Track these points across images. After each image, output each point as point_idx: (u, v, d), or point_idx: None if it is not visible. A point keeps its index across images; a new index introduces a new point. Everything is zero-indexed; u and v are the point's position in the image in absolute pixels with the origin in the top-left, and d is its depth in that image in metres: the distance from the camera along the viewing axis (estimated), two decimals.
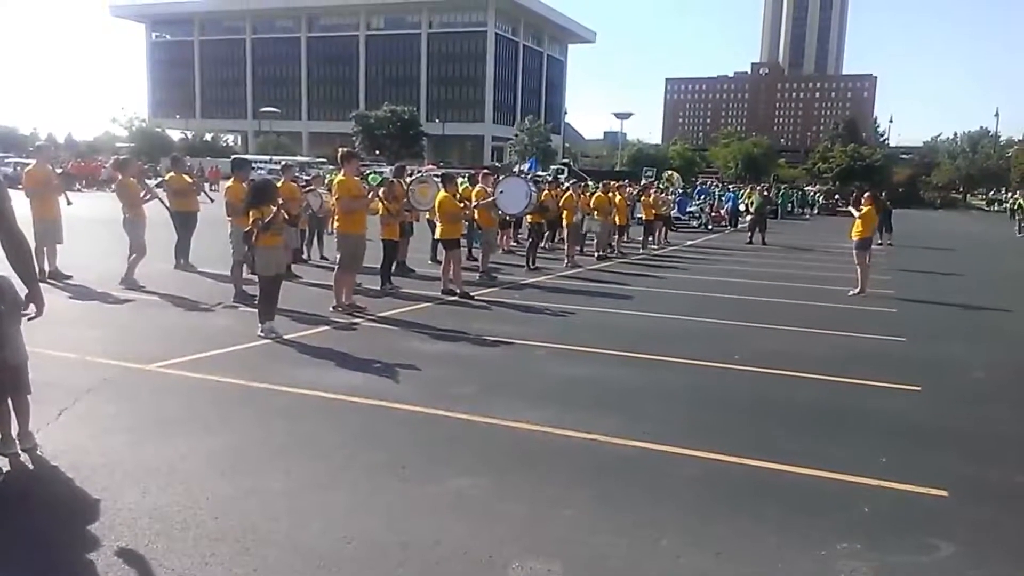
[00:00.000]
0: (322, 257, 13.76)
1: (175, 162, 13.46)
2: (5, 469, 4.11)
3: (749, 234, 22.91)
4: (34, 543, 3.39)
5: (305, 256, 13.62)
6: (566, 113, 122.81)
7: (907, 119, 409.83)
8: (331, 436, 4.86)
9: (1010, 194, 39.80)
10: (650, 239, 19.57)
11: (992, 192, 74.53)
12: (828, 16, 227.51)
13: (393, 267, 11.27)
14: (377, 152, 75.77)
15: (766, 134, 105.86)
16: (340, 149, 9.62)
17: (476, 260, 13.02)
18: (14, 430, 4.26)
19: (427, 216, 13.04)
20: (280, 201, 7.69)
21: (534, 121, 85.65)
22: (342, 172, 9.31)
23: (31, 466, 4.18)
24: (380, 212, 10.83)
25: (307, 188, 14.11)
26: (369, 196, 10.04)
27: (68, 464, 4.17)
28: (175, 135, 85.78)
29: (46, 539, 3.43)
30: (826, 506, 4.07)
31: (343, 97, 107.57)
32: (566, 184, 18.21)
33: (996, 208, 62.27)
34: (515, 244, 17.66)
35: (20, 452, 4.24)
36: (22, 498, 3.89)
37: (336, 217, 9.30)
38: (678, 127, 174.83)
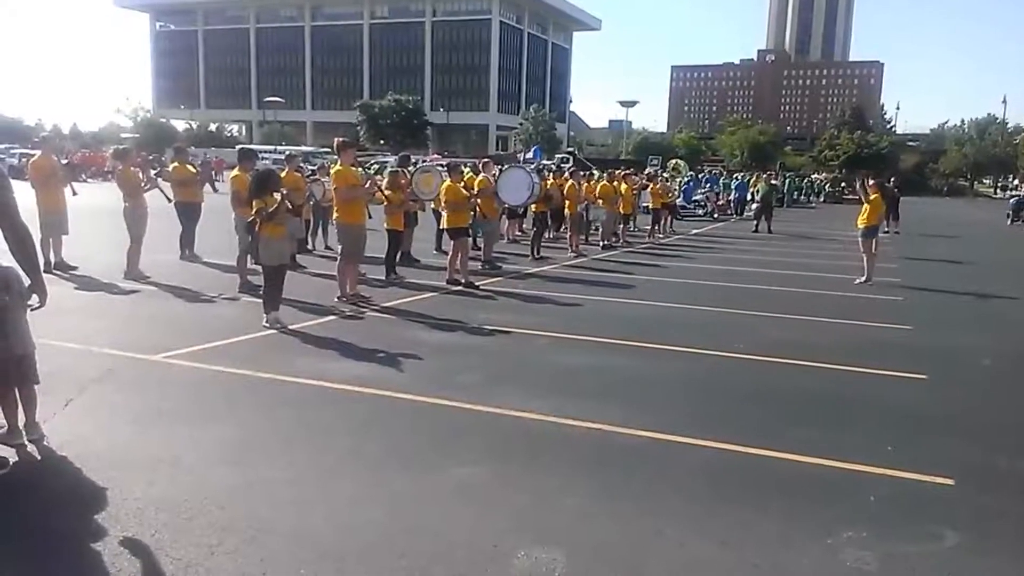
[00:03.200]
0: (327, 247, 13.77)
1: (178, 152, 13.45)
2: (12, 460, 4.13)
3: (755, 222, 22.83)
4: (41, 533, 3.41)
5: (310, 246, 13.64)
6: (571, 102, 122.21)
7: (914, 106, 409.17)
8: (336, 426, 4.87)
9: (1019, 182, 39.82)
10: (655, 228, 19.51)
11: (1001, 179, 74.13)
12: (835, 2, 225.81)
13: (398, 257, 11.27)
14: (382, 142, 75.65)
15: (772, 122, 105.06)
16: (337, 139, 9.61)
17: (480, 250, 13.01)
18: (21, 421, 4.28)
19: (431, 206, 13.03)
20: (284, 191, 7.69)
21: (539, 110, 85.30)
22: (339, 162, 9.30)
23: (38, 456, 4.20)
24: (383, 202, 10.81)
25: (312, 178, 14.10)
26: (367, 185, 10.03)
27: (74, 454, 4.19)
28: (180, 125, 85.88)
29: (53, 529, 3.44)
30: (832, 494, 4.06)
31: (347, 86, 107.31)
32: (567, 173, 18.12)
33: (1005, 195, 61.92)
34: (520, 233, 17.63)
35: (27, 443, 4.25)
36: (29, 488, 3.91)
37: (335, 207, 9.27)
38: (684, 115, 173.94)
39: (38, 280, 4.09)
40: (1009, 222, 31.08)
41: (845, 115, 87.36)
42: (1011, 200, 34.18)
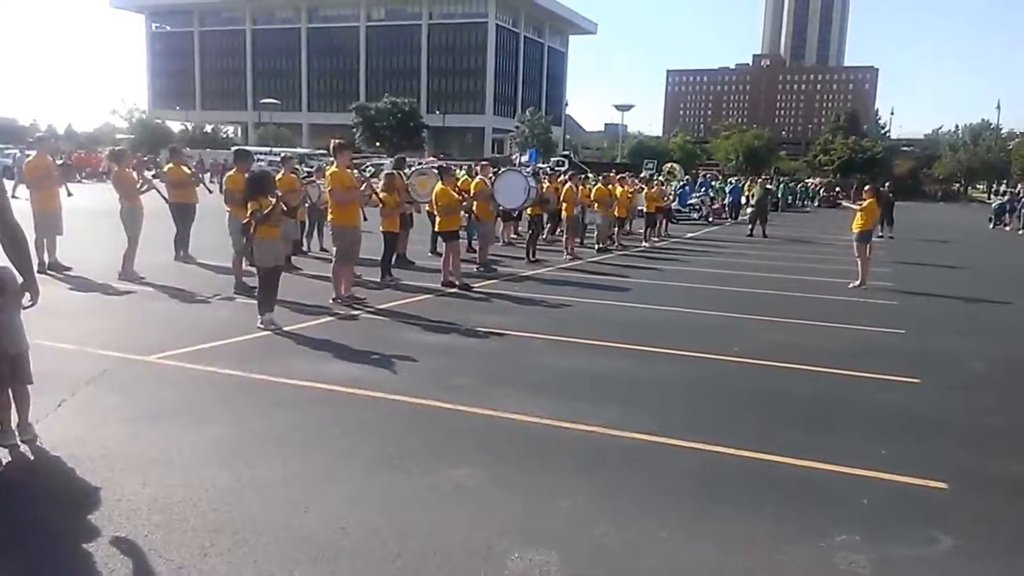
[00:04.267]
0: (322, 249, 13.75)
1: (174, 153, 13.42)
2: (5, 460, 4.12)
3: (750, 226, 22.88)
4: (33, 534, 3.40)
5: (305, 248, 13.62)
6: (567, 105, 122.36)
7: (908, 111, 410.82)
8: (330, 427, 4.86)
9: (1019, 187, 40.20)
10: (650, 231, 19.53)
11: (995, 185, 74.51)
12: (830, 7, 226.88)
13: (393, 259, 11.26)
14: (377, 144, 75.62)
15: (767, 126, 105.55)
16: (333, 141, 9.61)
17: (475, 252, 13.01)
18: (14, 421, 4.27)
19: (427, 208, 13.03)
20: (278, 193, 7.68)
21: (535, 113, 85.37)
22: (335, 164, 9.31)
23: (31, 457, 4.19)
24: (378, 204, 10.81)
25: (308, 180, 14.09)
26: (362, 187, 10.02)
27: (67, 455, 4.18)
28: (175, 126, 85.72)
29: (45, 530, 3.43)
30: (825, 498, 4.07)
31: (343, 88, 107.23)
32: (563, 176, 18.15)
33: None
34: (515, 236, 17.64)
35: (20, 443, 4.25)
36: (22, 489, 3.90)
37: (330, 209, 9.28)
38: (679, 119, 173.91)
39: (31, 280, 4.08)
40: (991, 226, 31.53)
41: (840, 120, 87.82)
42: (994, 205, 34.80)
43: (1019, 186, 39.99)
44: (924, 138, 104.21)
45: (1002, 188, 42.07)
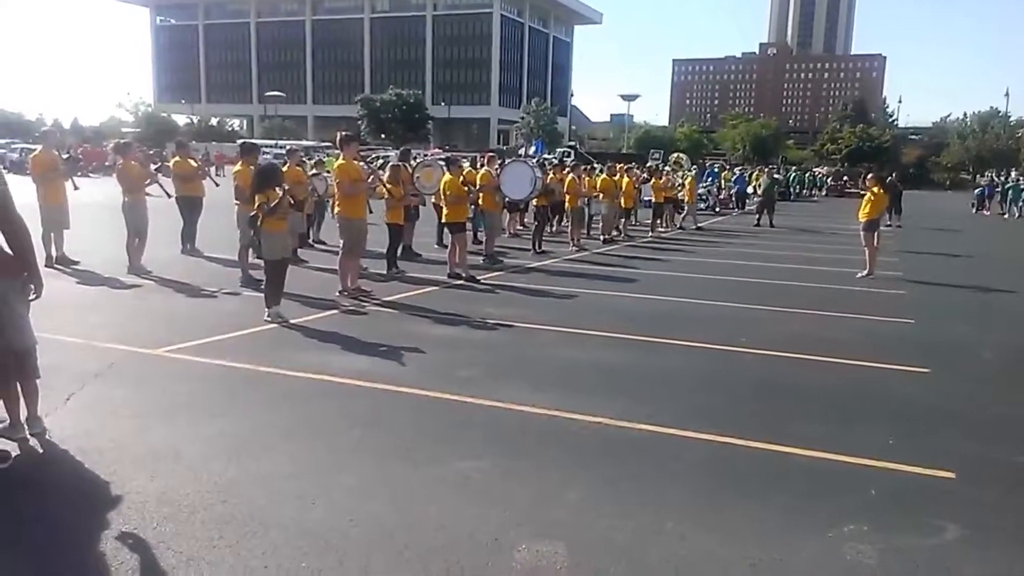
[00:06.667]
0: (319, 241, 13.77)
1: (180, 147, 13.43)
2: (14, 453, 4.14)
3: (757, 216, 22.81)
4: (43, 527, 3.41)
5: (311, 240, 13.63)
6: (572, 95, 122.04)
7: (916, 99, 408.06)
8: (337, 420, 4.87)
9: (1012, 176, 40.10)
10: (658, 222, 19.49)
11: (1003, 173, 74.11)
12: None
13: (399, 251, 11.26)
14: (383, 136, 75.57)
15: (774, 115, 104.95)
16: (340, 133, 9.59)
17: (481, 244, 13.00)
18: (23, 415, 4.28)
19: (433, 200, 13.03)
20: (285, 186, 7.68)
21: (540, 104, 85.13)
22: (341, 156, 9.30)
23: (40, 450, 4.21)
24: (385, 196, 10.80)
25: (314, 172, 14.10)
26: (369, 179, 10.02)
27: (76, 448, 4.20)
28: (181, 120, 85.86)
29: (55, 523, 3.45)
30: (833, 488, 4.06)
31: (348, 81, 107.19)
32: (567, 167, 18.10)
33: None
34: (521, 228, 17.61)
35: (29, 437, 4.26)
36: (31, 482, 3.91)
37: (337, 202, 9.28)
38: (685, 109, 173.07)
39: (34, 272, 4.10)
40: (974, 211, 32.13)
41: (847, 109, 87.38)
42: (975, 191, 35.73)
43: (991, 173, 40.70)
44: (932, 126, 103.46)
45: (986, 175, 43.26)
